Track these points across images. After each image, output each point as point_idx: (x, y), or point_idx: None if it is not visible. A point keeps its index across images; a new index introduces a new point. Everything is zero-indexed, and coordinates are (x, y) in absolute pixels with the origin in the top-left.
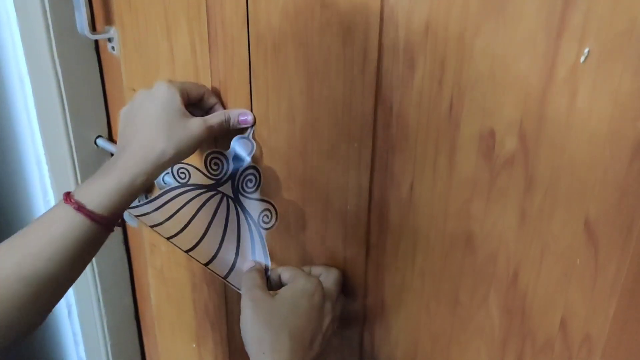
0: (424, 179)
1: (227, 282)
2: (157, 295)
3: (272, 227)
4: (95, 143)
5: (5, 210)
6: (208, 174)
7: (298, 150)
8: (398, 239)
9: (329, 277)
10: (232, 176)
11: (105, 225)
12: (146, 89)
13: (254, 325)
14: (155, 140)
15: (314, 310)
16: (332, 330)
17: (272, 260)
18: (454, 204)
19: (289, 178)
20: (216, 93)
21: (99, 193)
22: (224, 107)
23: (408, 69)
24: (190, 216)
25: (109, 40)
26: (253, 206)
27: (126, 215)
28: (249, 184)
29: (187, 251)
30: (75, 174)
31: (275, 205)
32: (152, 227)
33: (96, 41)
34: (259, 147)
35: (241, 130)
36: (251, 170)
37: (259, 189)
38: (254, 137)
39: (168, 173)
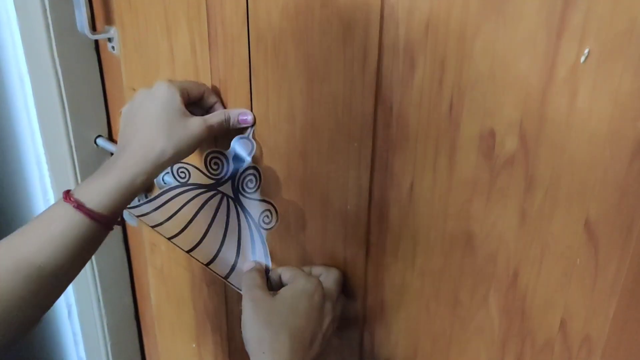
0: (424, 179)
1: (228, 282)
2: (157, 295)
3: (272, 227)
4: (95, 143)
5: (5, 209)
6: (208, 174)
7: (298, 150)
8: (398, 239)
9: (329, 277)
10: (233, 176)
11: (104, 223)
12: (146, 89)
13: (254, 325)
14: (155, 139)
15: (313, 310)
16: (332, 330)
17: (272, 260)
18: (454, 203)
19: (289, 178)
20: (216, 92)
21: (98, 192)
22: (224, 107)
23: (408, 68)
24: (191, 216)
25: (109, 40)
26: (253, 206)
27: (126, 214)
28: (250, 184)
29: (188, 251)
30: (75, 173)
31: (275, 206)
32: (152, 227)
33: (96, 41)
34: (259, 146)
35: (241, 130)
36: (251, 171)
37: (259, 189)
38: (254, 137)
39: (168, 173)
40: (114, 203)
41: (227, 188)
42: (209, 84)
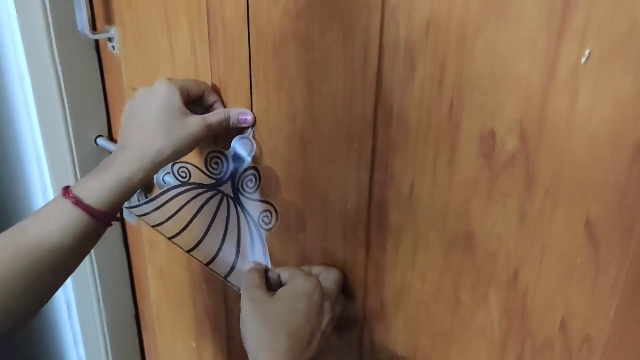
0: (424, 179)
1: (228, 281)
2: (156, 294)
3: (272, 228)
4: (95, 142)
5: (5, 209)
6: (208, 173)
7: (298, 149)
8: (398, 239)
9: (328, 277)
10: (233, 176)
11: (102, 220)
12: (147, 87)
13: (252, 324)
14: (154, 138)
15: (312, 309)
16: (331, 330)
17: (271, 259)
18: (454, 203)
19: (289, 177)
20: (216, 91)
21: (97, 188)
22: (224, 106)
23: (409, 68)
24: (191, 216)
25: (109, 39)
26: (253, 207)
27: (126, 213)
28: (249, 184)
29: (188, 251)
30: (75, 172)
31: (275, 207)
32: (153, 226)
33: (96, 40)
34: (259, 146)
35: (241, 130)
36: (251, 171)
37: (259, 189)
38: (254, 137)
39: (169, 173)
40: (112, 200)
41: (227, 188)
42: (209, 83)
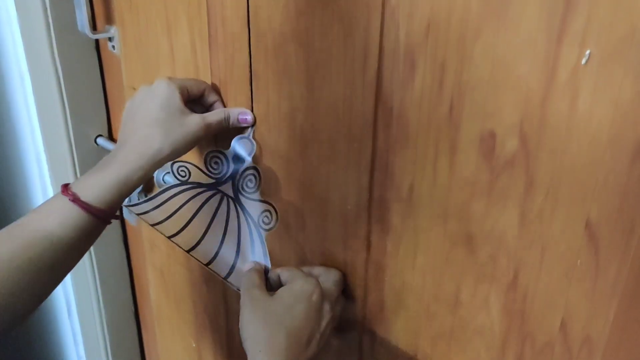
0: (424, 179)
1: (228, 282)
2: (156, 294)
3: (272, 228)
4: (95, 142)
5: (5, 208)
6: (208, 173)
7: (298, 149)
8: (398, 239)
9: (328, 278)
10: (233, 176)
11: (101, 217)
12: (147, 86)
13: (251, 324)
14: (152, 137)
15: (311, 310)
16: (331, 331)
17: (271, 259)
18: (454, 204)
19: (289, 178)
20: (217, 90)
21: (96, 186)
22: (225, 106)
23: (409, 70)
24: (191, 215)
25: (110, 39)
26: (253, 207)
27: (126, 212)
28: (249, 184)
29: (188, 251)
30: (75, 172)
31: (275, 207)
32: (153, 225)
33: (97, 40)
34: (259, 146)
35: (241, 130)
36: (251, 171)
37: (259, 189)
38: (254, 137)
39: (168, 172)
40: (111, 197)
41: (227, 188)
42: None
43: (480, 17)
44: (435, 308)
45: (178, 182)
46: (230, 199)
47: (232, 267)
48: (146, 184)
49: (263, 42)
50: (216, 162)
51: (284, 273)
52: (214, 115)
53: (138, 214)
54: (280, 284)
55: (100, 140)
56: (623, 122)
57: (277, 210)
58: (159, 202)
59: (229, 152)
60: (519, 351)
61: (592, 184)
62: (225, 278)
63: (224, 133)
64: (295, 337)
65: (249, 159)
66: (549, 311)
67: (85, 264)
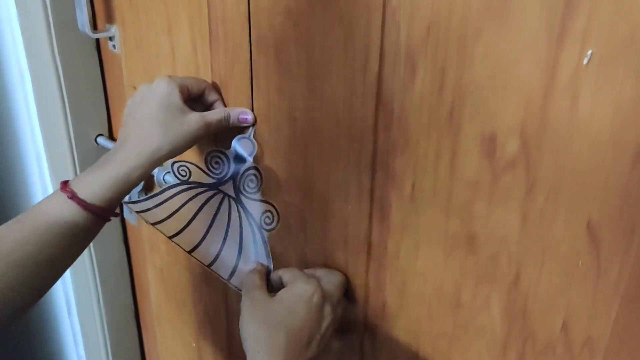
0: (425, 180)
1: (230, 283)
2: (157, 294)
3: (274, 228)
4: (95, 141)
5: (5, 207)
6: (209, 172)
7: (299, 150)
8: (400, 240)
9: (330, 280)
10: (234, 176)
11: (99, 215)
12: (148, 84)
13: (251, 324)
14: (152, 135)
15: (312, 311)
16: (332, 332)
17: (272, 260)
18: (455, 205)
19: (289, 178)
20: (217, 89)
21: (95, 184)
22: (225, 105)
23: (409, 71)
24: (192, 215)
25: (110, 38)
26: (255, 207)
27: (126, 212)
28: (251, 184)
29: (189, 252)
30: (76, 171)
31: (277, 207)
32: (153, 224)
33: (97, 39)
34: (260, 146)
35: (241, 130)
36: (252, 171)
37: (261, 190)
38: (254, 137)
39: (169, 172)
40: (109, 195)
41: (228, 188)
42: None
43: (481, 18)
44: (436, 309)
45: (179, 181)
46: (231, 199)
47: (234, 268)
48: (146, 183)
49: (264, 41)
50: (217, 162)
51: (285, 274)
52: (214, 114)
53: (138, 212)
54: (281, 286)
55: (100, 140)
56: (624, 122)
57: (279, 211)
58: (159, 201)
59: (229, 152)
60: (520, 352)
61: (593, 185)
62: (228, 280)
63: (224, 133)
64: (295, 337)
65: (249, 159)
66: (550, 312)
67: (86, 264)
